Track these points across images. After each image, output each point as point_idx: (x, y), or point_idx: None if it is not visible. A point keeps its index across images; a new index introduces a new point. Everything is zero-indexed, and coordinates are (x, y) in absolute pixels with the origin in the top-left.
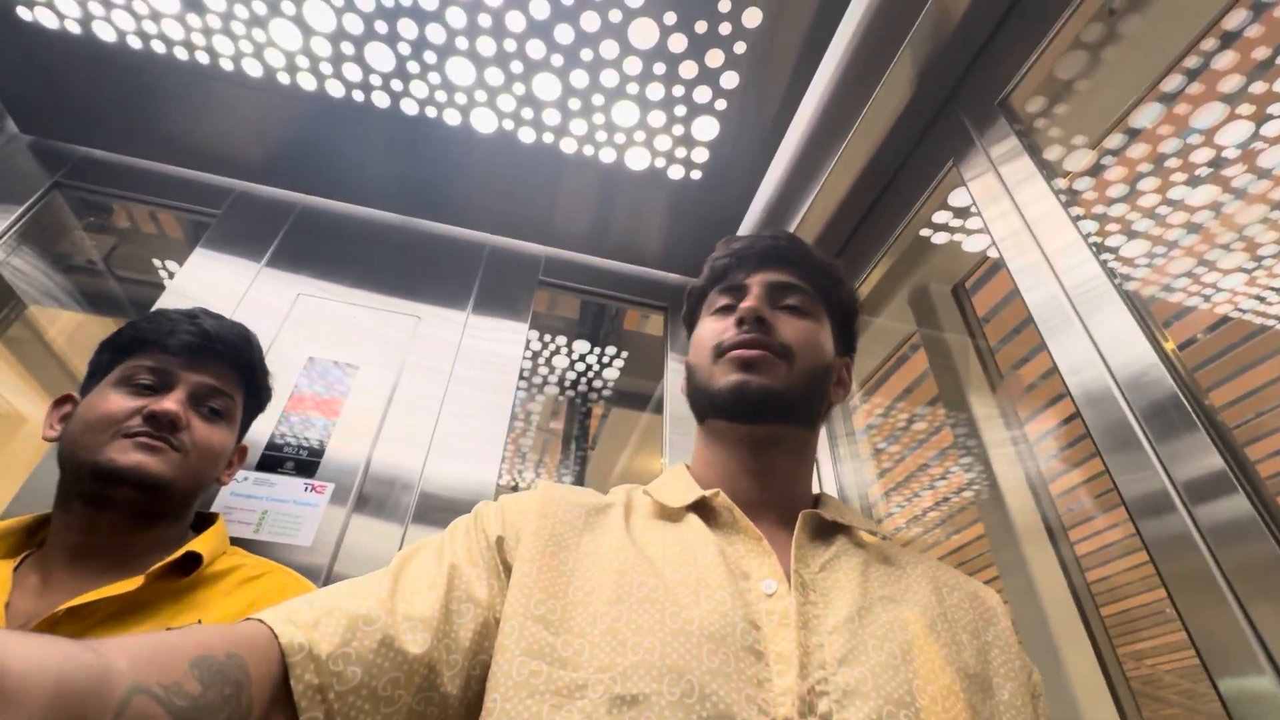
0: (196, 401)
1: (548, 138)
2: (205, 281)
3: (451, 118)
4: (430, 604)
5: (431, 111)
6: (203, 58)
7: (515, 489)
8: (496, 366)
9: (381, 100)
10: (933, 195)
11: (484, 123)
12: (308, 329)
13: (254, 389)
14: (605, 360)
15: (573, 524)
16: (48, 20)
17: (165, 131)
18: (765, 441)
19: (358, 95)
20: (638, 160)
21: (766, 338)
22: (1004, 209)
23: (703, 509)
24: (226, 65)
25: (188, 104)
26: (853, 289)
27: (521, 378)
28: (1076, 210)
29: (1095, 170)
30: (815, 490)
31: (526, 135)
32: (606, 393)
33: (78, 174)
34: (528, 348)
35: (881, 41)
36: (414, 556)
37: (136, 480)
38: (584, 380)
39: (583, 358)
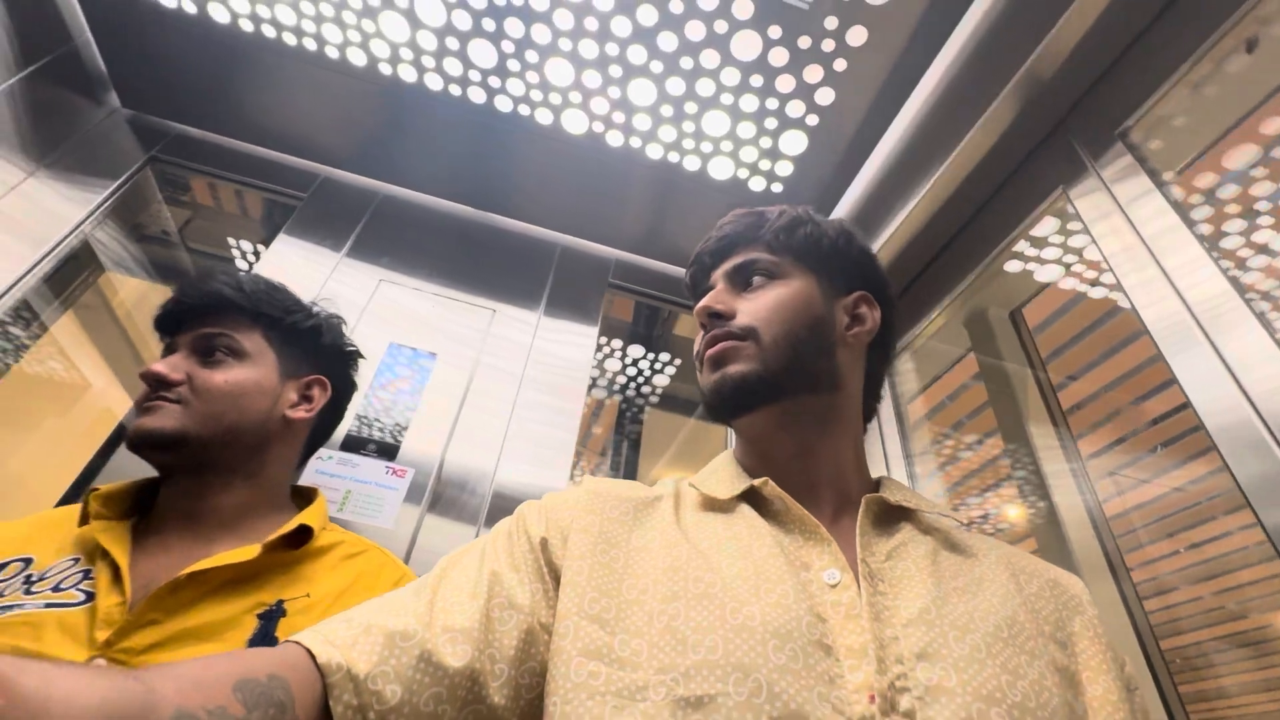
0: (203, 355)
1: (635, 142)
2: (287, 267)
3: (544, 117)
4: (470, 614)
5: (525, 109)
6: (310, 44)
7: None
8: (567, 371)
9: (477, 96)
10: (1030, 223)
11: (575, 124)
12: (388, 317)
13: (270, 319)
14: (657, 365)
15: (621, 519)
16: (167, 0)
17: (260, 113)
18: (785, 421)
19: (455, 89)
20: (721, 170)
21: (723, 328)
22: (1115, 225)
23: (754, 498)
24: (332, 53)
25: (286, 88)
26: (823, 223)
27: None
28: (1199, 226)
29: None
30: (875, 475)
31: (614, 138)
32: (654, 398)
33: (172, 150)
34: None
35: (988, 66)
36: (456, 564)
37: (144, 442)
38: (633, 385)
39: (635, 362)
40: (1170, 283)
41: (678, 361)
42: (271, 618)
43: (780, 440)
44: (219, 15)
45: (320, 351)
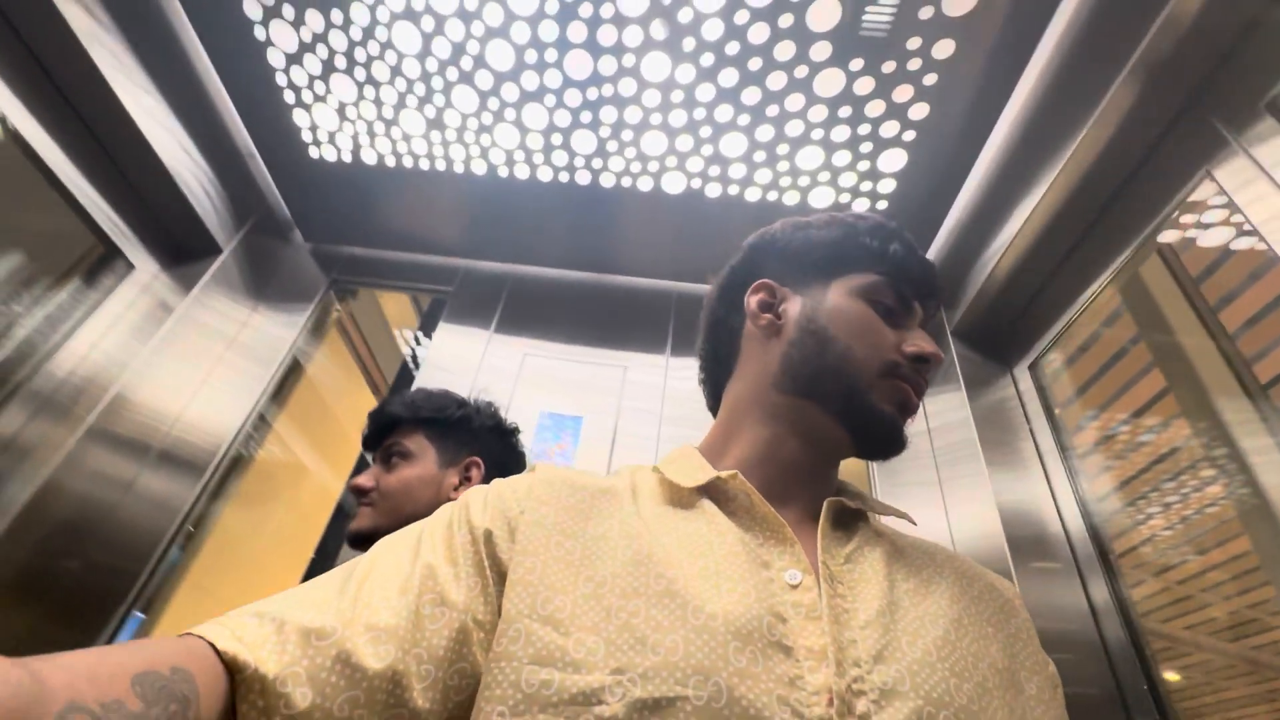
0: (384, 463)
1: (733, 190)
2: (449, 349)
3: (644, 184)
4: (398, 610)
5: (626, 181)
6: (440, 165)
7: None
8: (700, 404)
9: (583, 178)
10: (1180, 208)
11: (674, 184)
12: (536, 386)
13: (427, 420)
14: None
15: (577, 509)
16: (329, 155)
17: (407, 226)
18: (834, 454)
19: (563, 176)
20: (821, 199)
21: (927, 382)
22: (1261, 191)
23: (716, 492)
24: (458, 168)
25: (426, 203)
26: None
27: None
28: None
29: None
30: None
31: (713, 190)
32: None
33: (346, 270)
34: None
35: (1097, 52)
36: (389, 553)
37: (351, 540)
38: None
39: None
40: None
41: None
42: None
43: (802, 457)
44: (368, 158)
45: (476, 435)
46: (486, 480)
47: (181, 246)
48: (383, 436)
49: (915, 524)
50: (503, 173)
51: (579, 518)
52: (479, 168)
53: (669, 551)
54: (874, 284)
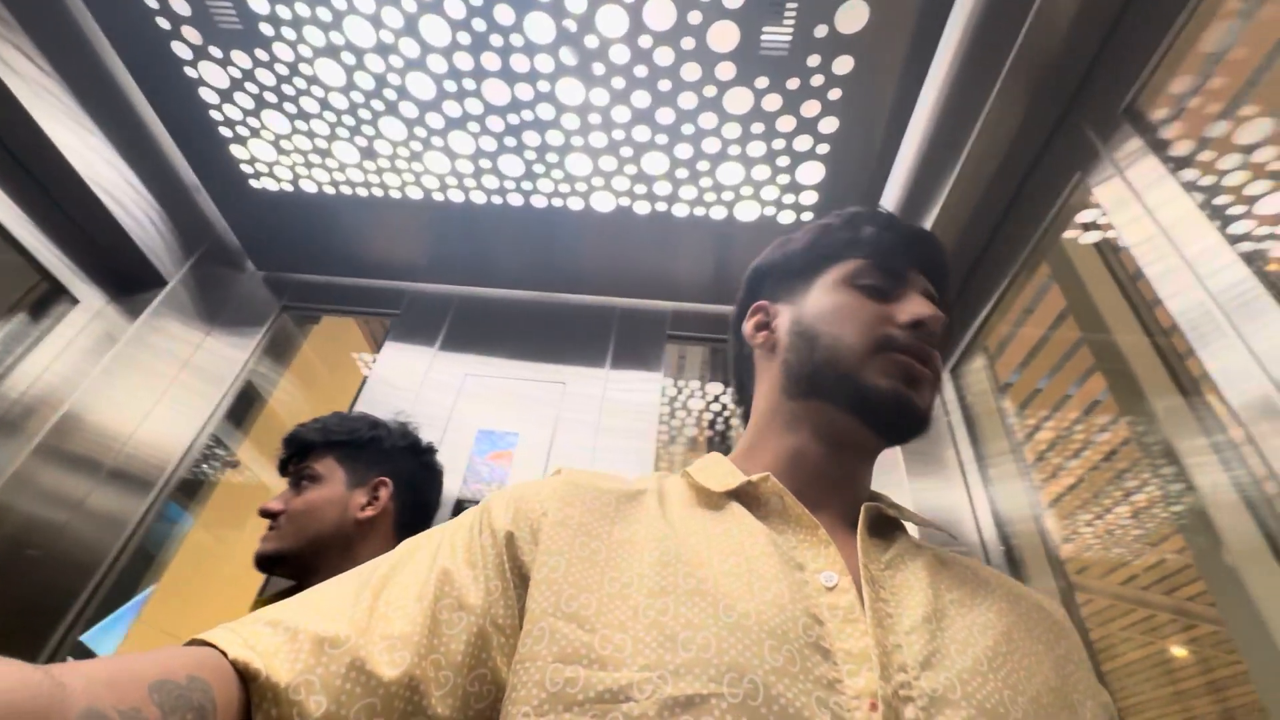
0: (295, 487)
1: (660, 206)
2: (395, 369)
3: (575, 204)
4: (414, 618)
5: (558, 202)
6: (377, 192)
7: None
8: (637, 415)
9: (515, 200)
10: (1063, 209)
11: (603, 203)
12: (476, 403)
13: (337, 443)
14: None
15: (603, 512)
16: (270, 185)
17: (353, 252)
18: (859, 450)
19: (496, 199)
20: (747, 213)
21: (934, 350)
22: (1135, 214)
23: (745, 498)
24: (395, 194)
25: (368, 229)
26: None
27: (662, 422)
28: (1218, 210)
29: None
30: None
31: (641, 208)
32: (737, 419)
33: (297, 296)
34: (664, 394)
35: (983, 62)
36: (406, 558)
37: (257, 563)
38: (720, 420)
39: (717, 398)
40: (1193, 271)
41: None
42: None
43: (827, 456)
44: (308, 188)
45: (388, 455)
46: (397, 500)
47: (127, 279)
48: (296, 460)
49: (955, 539)
50: (438, 197)
51: (604, 520)
52: (414, 193)
53: (697, 552)
54: (853, 269)
